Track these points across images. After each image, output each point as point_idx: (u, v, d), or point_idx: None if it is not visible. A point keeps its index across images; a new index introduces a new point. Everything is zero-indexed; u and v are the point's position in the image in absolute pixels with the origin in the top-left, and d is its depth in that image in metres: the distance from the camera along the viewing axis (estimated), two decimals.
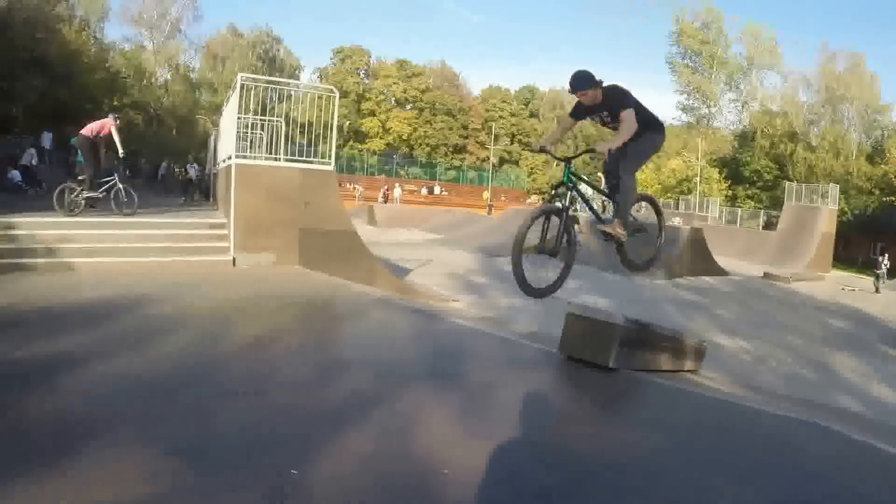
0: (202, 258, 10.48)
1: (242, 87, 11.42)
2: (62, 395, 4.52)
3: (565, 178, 4.91)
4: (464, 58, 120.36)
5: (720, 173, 53.19)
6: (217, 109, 55.62)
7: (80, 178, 11.97)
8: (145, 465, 3.43)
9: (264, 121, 13.89)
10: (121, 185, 12.06)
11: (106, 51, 48.41)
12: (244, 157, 11.69)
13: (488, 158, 71.81)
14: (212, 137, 21.97)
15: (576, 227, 5.07)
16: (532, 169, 77.43)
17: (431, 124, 74.79)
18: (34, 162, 20.72)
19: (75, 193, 11.45)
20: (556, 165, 76.85)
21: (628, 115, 4.77)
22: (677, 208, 48.88)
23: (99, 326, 6.51)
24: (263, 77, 14.39)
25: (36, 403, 4.28)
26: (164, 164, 23.81)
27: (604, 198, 5.47)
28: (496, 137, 72.14)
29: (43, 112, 32.68)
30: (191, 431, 3.93)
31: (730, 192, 52.50)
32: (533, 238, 4.65)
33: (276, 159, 11.98)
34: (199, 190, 19.81)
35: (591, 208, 5.42)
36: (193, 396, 4.61)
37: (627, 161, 5.09)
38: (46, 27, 35.06)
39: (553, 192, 5.01)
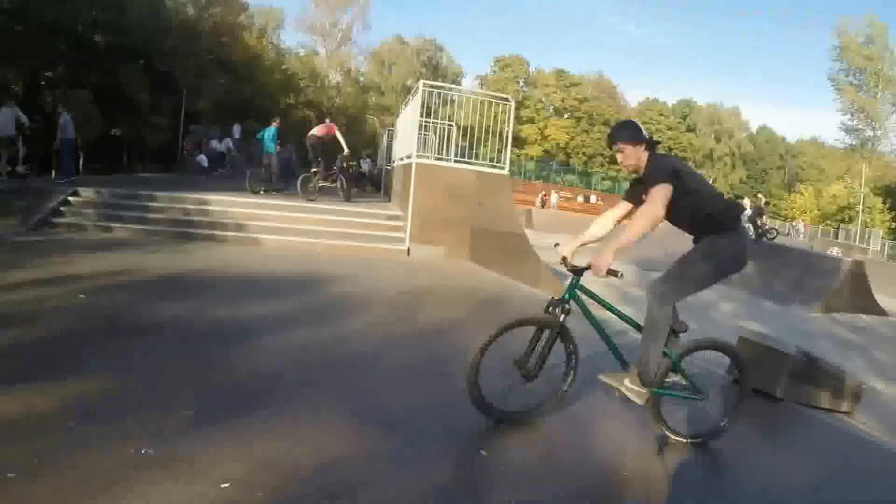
0: (379, 245, 10.81)
1: (424, 92, 11.87)
2: (259, 355, 4.77)
3: (566, 295, 3.72)
4: (621, 69, 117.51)
5: (884, 203, 48.47)
6: (384, 110, 58.41)
7: (313, 169, 13.72)
8: (340, 429, 3.57)
9: (436, 123, 14.33)
10: (342, 177, 14.08)
11: (282, 55, 51.90)
12: (424, 156, 11.94)
13: None
14: (384, 136, 23.16)
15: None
16: None
17: (588, 134, 73.77)
18: (231, 147, 22.47)
19: (313, 182, 13.28)
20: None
21: (652, 193, 3.41)
22: (836, 237, 45.18)
23: (288, 297, 6.89)
24: (444, 84, 14.83)
25: (235, 360, 4.59)
26: (339, 157, 25.04)
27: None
28: None
29: (227, 106, 35.42)
30: (381, 403, 4.02)
31: (894, 224, 47.90)
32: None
33: (445, 159, 12.27)
34: (370, 182, 20.52)
35: (608, 344, 3.88)
36: (380, 372, 4.72)
37: (665, 278, 3.69)
38: (231, 33, 38.08)
39: (549, 306, 3.74)
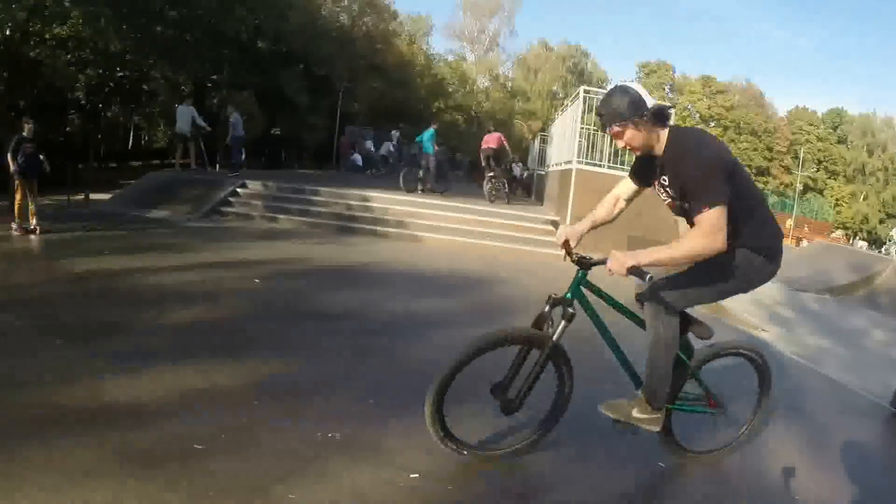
0: (535, 249, 10.44)
1: (584, 98, 11.64)
2: (433, 349, 4.60)
3: (569, 293, 2.94)
4: (769, 76, 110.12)
5: None
6: (530, 115, 58.46)
7: (489, 174, 14.18)
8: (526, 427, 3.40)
9: (590, 129, 13.99)
10: (505, 181, 14.83)
11: (431, 60, 52.93)
12: (583, 162, 11.57)
13: (793, 184, 65.54)
14: (535, 140, 23.25)
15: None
16: (838, 200, 69.35)
17: (735, 143, 69.94)
18: (391, 149, 23.12)
19: (490, 185, 13.87)
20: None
21: (706, 222, 2.54)
22: None
23: (453, 295, 6.83)
24: (603, 90, 14.47)
25: (409, 353, 4.57)
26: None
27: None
28: (802, 162, 65.71)
29: (380, 109, 36.60)
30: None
31: None
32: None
33: (598, 165, 11.88)
34: (521, 186, 20.29)
35: (618, 357, 3.14)
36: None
37: (673, 283, 2.97)
38: (384, 40, 39.43)
39: (547, 307, 2.96)
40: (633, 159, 3.02)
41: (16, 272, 6.50)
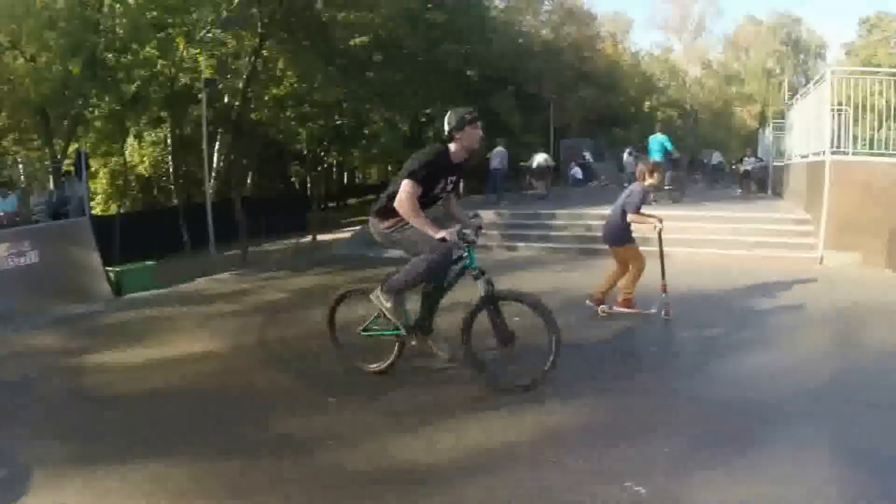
0: (787, 254, 9.76)
1: (833, 80, 10.39)
2: (719, 386, 4.55)
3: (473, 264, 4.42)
4: None
5: None
6: (748, 99, 54.69)
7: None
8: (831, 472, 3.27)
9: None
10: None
11: (637, 58, 51.57)
12: (839, 152, 10.31)
13: None
14: (765, 128, 22.21)
15: None
16: None
17: None
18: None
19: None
20: None
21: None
22: None
23: (726, 316, 6.51)
24: (857, 69, 12.93)
25: (698, 390, 4.48)
26: (715, 155, 24.16)
27: None
28: None
29: (590, 117, 36.11)
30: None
31: None
32: None
33: (843, 152, 10.39)
34: (753, 181, 18.68)
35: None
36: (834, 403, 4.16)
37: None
38: (590, 46, 39.06)
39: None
40: None
41: None
